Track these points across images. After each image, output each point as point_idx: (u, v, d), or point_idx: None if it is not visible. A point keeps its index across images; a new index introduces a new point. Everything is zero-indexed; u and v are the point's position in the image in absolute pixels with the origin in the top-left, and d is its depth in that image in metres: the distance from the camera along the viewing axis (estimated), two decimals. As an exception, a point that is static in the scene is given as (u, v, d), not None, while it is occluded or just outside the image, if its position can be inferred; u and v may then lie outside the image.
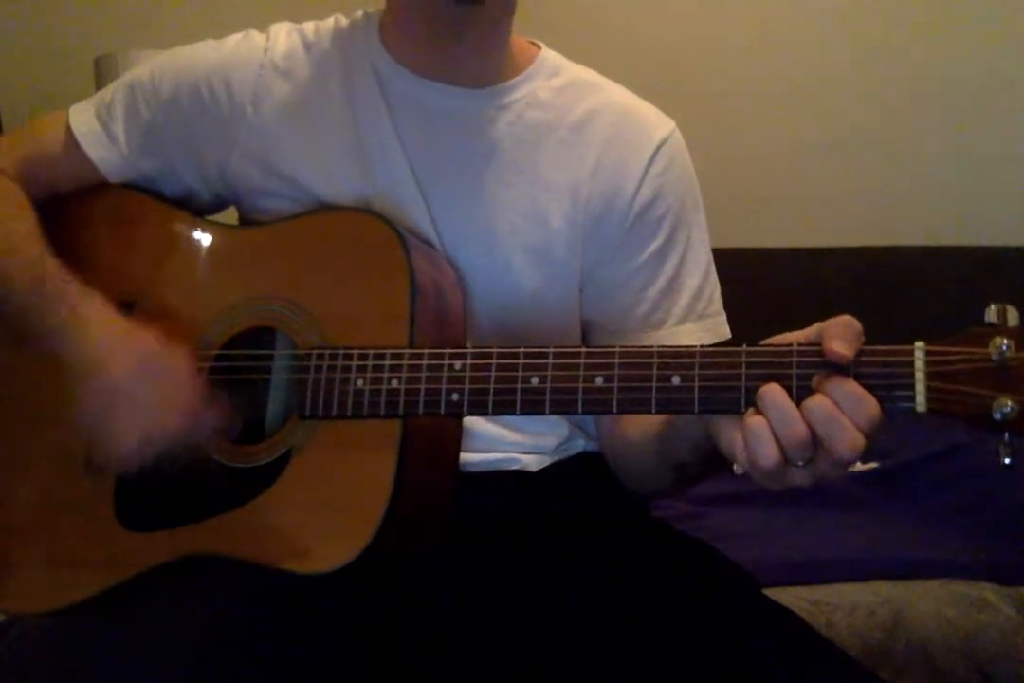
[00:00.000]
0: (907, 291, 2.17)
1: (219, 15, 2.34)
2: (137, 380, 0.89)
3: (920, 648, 1.39)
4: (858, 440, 0.71)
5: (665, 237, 1.05)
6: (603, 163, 1.04)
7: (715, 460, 0.81)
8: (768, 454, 0.73)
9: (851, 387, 0.72)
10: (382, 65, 1.04)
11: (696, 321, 1.06)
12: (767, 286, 2.13)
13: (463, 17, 0.98)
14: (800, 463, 0.73)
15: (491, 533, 0.98)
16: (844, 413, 0.72)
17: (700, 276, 1.07)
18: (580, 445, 1.07)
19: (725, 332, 1.07)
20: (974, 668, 1.38)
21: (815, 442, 0.72)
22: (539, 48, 1.09)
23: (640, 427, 0.98)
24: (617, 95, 1.09)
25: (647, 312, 1.05)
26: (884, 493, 1.74)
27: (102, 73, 2.14)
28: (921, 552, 1.59)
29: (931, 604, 1.44)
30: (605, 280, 1.05)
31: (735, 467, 0.77)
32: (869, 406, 0.72)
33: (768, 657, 0.83)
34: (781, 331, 0.78)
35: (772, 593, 0.93)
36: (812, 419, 0.72)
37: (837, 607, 1.44)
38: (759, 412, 0.74)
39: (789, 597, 1.33)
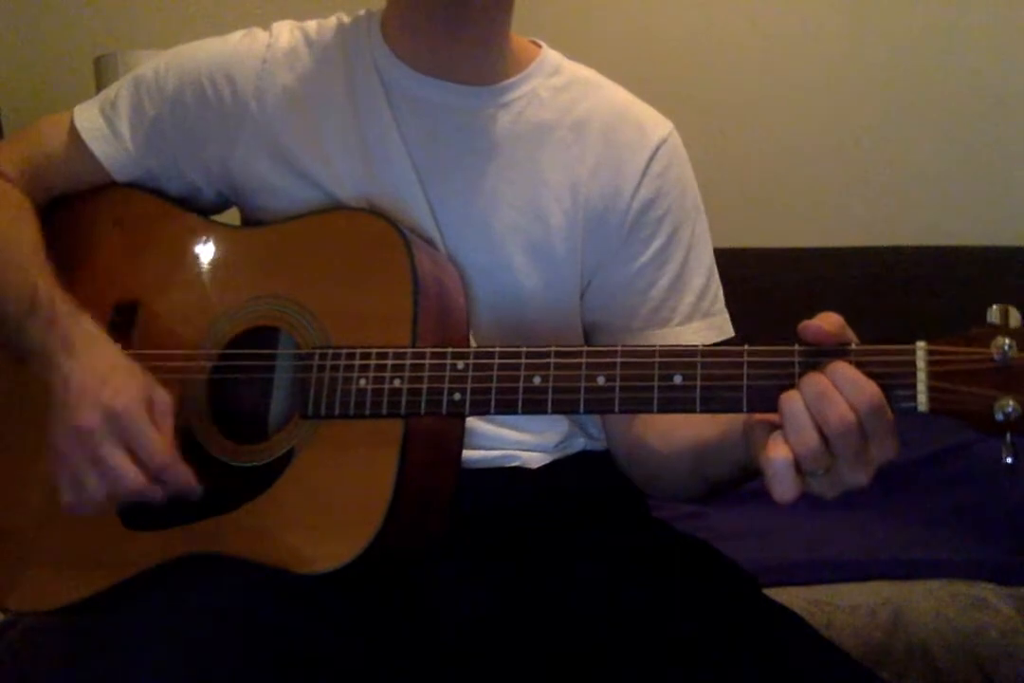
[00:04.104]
0: (907, 291, 2.16)
1: (219, 15, 2.34)
2: (100, 438, 0.85)
3: (920, 648, 1.39)
4: (847, 415, 0.71)
5: (666, 237, 1.05)
6: (602, 163, 1.04)
7: (756, 475, 0.81)
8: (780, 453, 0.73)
9: (845, 369, 0.73)
10: (384, 61, 1.04)
11: (702, 319, 1.06)
12: (767, 286, 2.13)
13: (460, 10, 0.98)
14: (820, 472, 0.74)
15: (490, 531, 0.98)
16: (838, 390, 0.72)
17: (704, 275, 1.07)
18: (580, 444, 1.07)
19: (729, 330, 1.08)
20: (974, 668, 1.38)
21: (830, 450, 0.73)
22: (540, 47, 1.09)
23: (669, 441, 0.97)
24: (616, 95, 1.09)
25: (652, 311, 1.05)
26: (884, 493, 1.74)
27: (102, 73, 2.14)
28: (921, 552, 1.59)
29: (931, 604, 1.44)
30: (608, 283, 1.05)
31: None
32: (863, 386, 0.72)
33: (768, 657, 0.83)
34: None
35: (772, 593, 0.93)
36: (804, 392, 0.73)
37: (837, 607, 1.44)
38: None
39: (789, 597, 1.33)
